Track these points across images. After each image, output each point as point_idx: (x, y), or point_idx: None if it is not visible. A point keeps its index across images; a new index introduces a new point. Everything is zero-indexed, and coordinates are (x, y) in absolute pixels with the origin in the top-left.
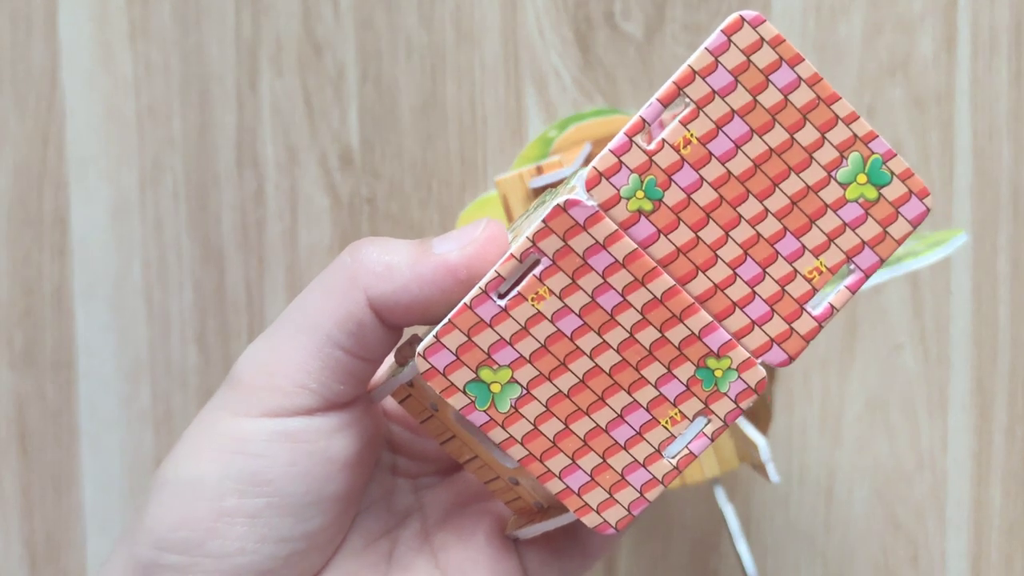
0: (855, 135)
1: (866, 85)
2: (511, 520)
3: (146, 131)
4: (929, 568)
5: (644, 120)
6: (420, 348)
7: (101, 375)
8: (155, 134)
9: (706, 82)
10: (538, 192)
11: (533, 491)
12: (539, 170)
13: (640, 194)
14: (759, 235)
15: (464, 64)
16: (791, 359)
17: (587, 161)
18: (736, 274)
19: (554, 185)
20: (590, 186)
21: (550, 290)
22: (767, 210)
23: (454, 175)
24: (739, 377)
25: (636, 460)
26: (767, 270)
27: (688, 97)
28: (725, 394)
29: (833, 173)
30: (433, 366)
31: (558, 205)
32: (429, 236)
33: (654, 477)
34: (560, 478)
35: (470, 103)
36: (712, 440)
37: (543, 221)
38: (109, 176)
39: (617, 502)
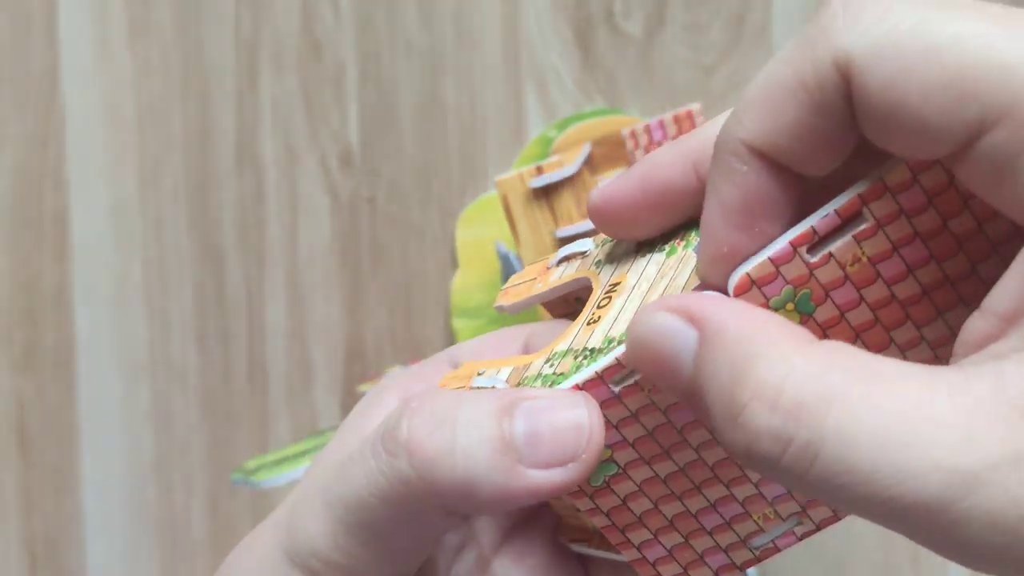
0: None
1: None
2: (563, 526)
3: (146, 131)
4: (929, 568)
5: (815, 231)
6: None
7: (101, 375)
8: (155, 134)
9: (896, 200)
10: (538, 193)
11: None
12: (539, 170)
13: (791, 306)
14: (906, 359)
15: (464, 64)
16: None
17: (587, 161)
18: None
19: (558, 185)
20: (738, 292)
21: None
22: (922, 337)
23: (454, 175)
24: None
25: (718, 545)
26: None
27: (871, 214)
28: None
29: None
30: None
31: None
32: (429, 236)
33: (732, 562)
34: (638, 549)
35: (470, 103)
36: (799, 540)
37: None
38: (109, 176)
39: (688, 574)
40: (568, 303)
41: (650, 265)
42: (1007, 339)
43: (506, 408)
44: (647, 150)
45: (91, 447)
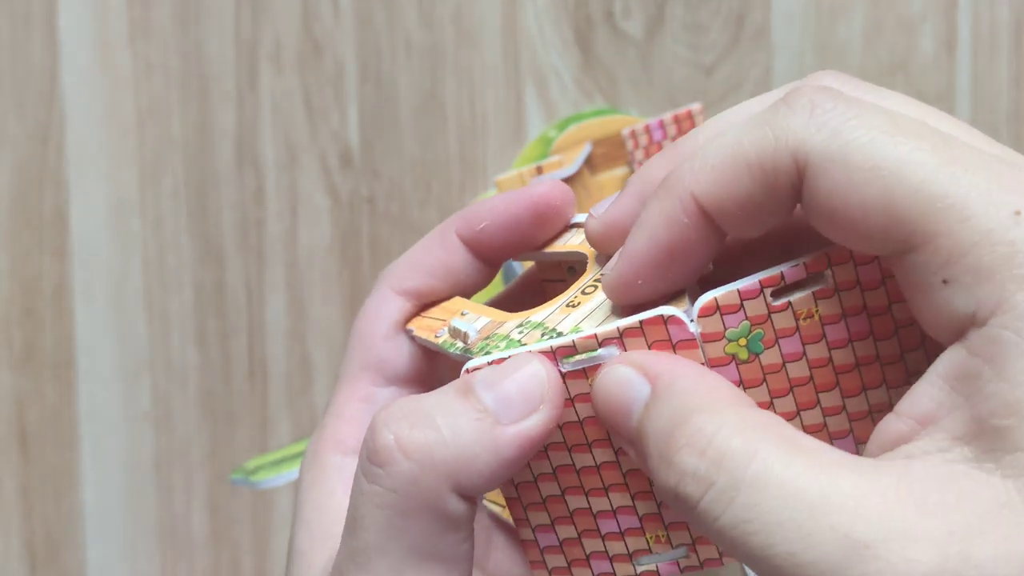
0: None
1: None
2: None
3: (146, 131)
4: None
5: (783, 277)
6: (470, 365)
7: (101, 375)
8: (155, 134)
9: (856, 270)
10: None
11: None
12: (539, 170)
13: (743, 342)
14: (825, 425)
15: (464, 64)
16: None
17: (587, 161)
18: None
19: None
20: (703, 314)
21: None
22: (844, 407)
23: (454, 175)
24: None
25: (606, 552)
26: None
27: (833, 277)
28: (715, 544)
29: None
30: None
31: (661, 315)
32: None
33: (612, 572)
34: (533, 531)
35: (470, 103)
36: (682, 572)
37: (640, 322)
38: (109, 176)
39: (571, 575)
40: (559, 269)
41: None
42: (918, 441)
43: (466, 388)
44: (647, 150)
45: (91, 447)
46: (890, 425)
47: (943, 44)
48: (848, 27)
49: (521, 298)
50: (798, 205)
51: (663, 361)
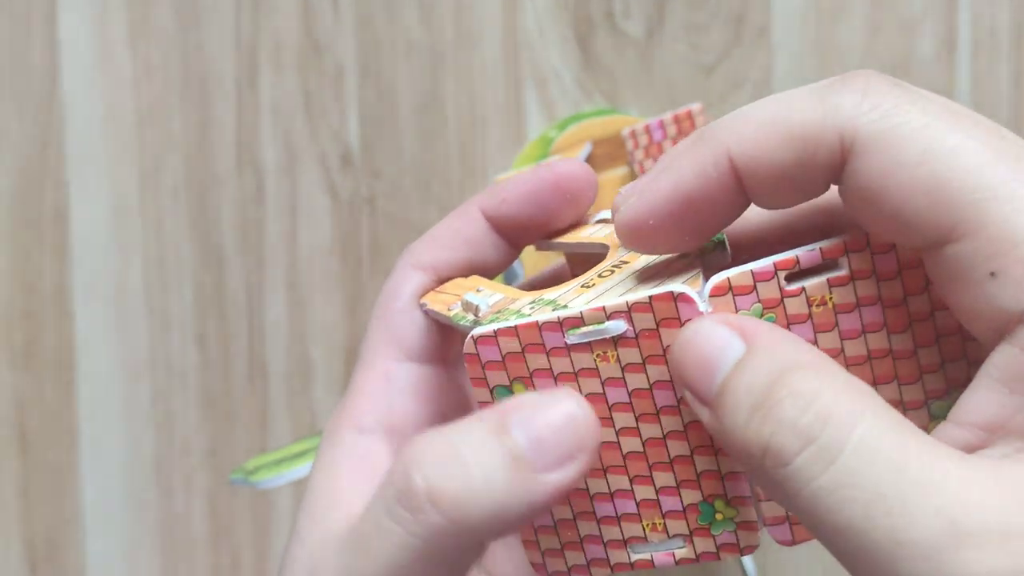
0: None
1: None
2: None
3: (146, 131)
4: None
5: (798, 261)
6: (476, 332)
7: (101, 375)
8: (155, 134)
9: (873, 259)
10: None
11: None
12: None
13: None
14: None
15: (464, 64)
16: (793, 543)
17: (588, 162)
18: None
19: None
20: (715, 293)
21: (618, 358)
22: None
23: (454, 175)
24: (734, 531)
25: (601, 536)
26: None
27: (849, 264)
28: (713, 537)
29: (930, 402)
30: (478, 354)
31: (671, 292)
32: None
33: (606, 559)
34: None
35: (470, 103)
36: (676, 563)
37: (649, 298)
38: (109, 176)
39: (563, 557)
40: (589, 262)
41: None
42: (994, 448)
43: (500, 425)
44: (647, 150)
45: (91, 447)
46: (950, 434)
47: (943, 44)
48: (848, 27)
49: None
50: (823, 194)
51: (757, 323)
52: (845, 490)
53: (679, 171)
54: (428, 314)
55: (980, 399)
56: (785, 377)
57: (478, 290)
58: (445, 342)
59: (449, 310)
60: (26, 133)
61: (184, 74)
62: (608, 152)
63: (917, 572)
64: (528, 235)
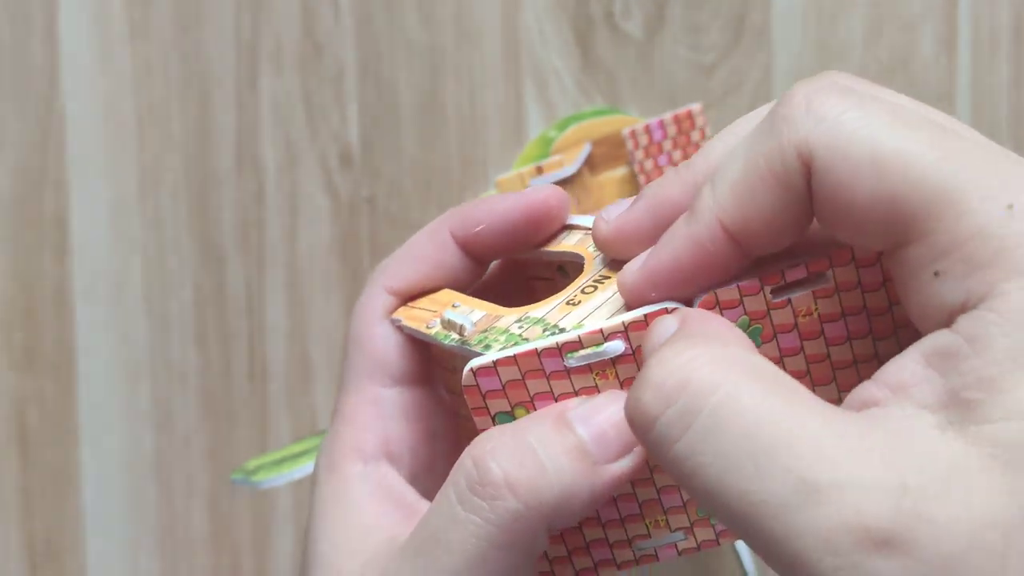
0: None
1: None
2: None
3: (146, 131)
4: None
5: (783, 275)
6: (474, 364)
7: (101, 375)
8: (155, 134)
9: (858, 272)
10: None
11: None
12: (539, 170)
13: None
14: None
15: (464, 64)
16: None
17: (587, 161)
18: None
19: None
20: (703, 307)
21: (616, 375)
22: (840, 401)
23: (454, 175)
24: None
25: (606, 539)
26: None
27: (834, 277)
28: (712, 525)
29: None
30: (478, 385)
31: (664, 309)
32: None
33: (612, 559)
34: None
35: (470, 103)
36: (679, 554)
37: (645, 316)
38: (109, 176)
39: (571, 563)
40: (549, 268)
41: None
42: (888, 406)
43: (563, 422)
44: (647, 150)
45: (91, 447)
46: (864, 390)
47: (943, 44)
48: (848, 27)
49: (501, 290)
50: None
51: (698, 311)
52: (700, 456)
53: (676, 249)
54: (402, 330)
55: (899, 363)
56: (667, 346)
57: (454, 305)
58: (423, 361)
59: (428, 327)
60: (26, 133)
61: (184, 74)
62: (608, 152)
63: (772, 532)
64: (498, 256)
